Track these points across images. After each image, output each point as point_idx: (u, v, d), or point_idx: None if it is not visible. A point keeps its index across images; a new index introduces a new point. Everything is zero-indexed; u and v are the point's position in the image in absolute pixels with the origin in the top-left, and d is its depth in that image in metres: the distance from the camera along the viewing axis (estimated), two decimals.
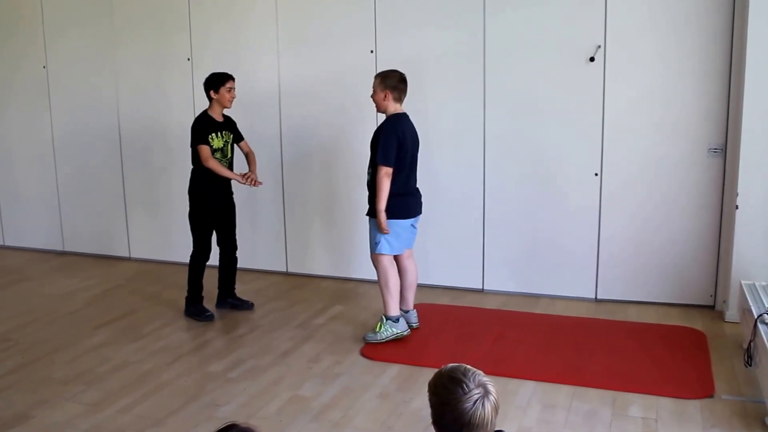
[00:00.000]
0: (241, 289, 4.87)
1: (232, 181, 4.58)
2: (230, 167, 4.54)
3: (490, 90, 4.72)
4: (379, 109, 4.06)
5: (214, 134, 4.40)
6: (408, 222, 4.07)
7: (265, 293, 5.04)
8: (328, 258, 5.36)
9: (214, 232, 4.60)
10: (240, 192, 5.40)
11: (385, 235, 3.97)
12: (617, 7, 4.38)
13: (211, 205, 4.50)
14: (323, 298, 4.91)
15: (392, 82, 3.97)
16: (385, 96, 3.97)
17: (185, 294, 4.61)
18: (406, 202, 4.03)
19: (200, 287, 4.57)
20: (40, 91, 6.07)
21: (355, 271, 5.22)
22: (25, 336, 4.29)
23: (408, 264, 4.19)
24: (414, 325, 4.20)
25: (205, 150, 4.34)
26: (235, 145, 4.61)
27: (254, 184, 4.51)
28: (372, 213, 4.00)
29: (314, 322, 4.45)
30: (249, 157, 4.66)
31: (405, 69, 4.82)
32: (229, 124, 4.55)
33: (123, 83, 5.75)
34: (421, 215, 4.19)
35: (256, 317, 4.56)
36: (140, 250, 5.98)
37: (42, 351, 4.03)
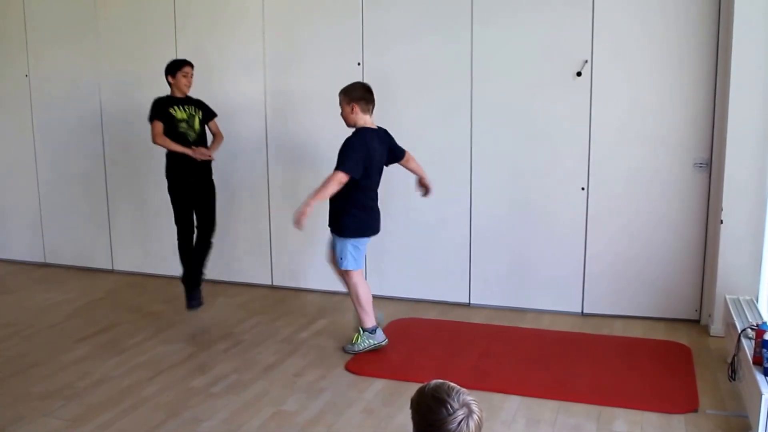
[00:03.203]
0: (226, 303, 4.83)
1: (213, 164, 4.65)
2: (199, 141, 4.58)
3: (477, 103, 4.73)
4: (349, 124, 4.01)
5: (175, 107, 4.50)
6: (367, 240, 4.08)
7: (250, 306, 5.00)
8: (314, 271, 5.32)
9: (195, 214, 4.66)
10: (226, 202, 5.37)
11: (349, 250, 3.99)
12: (604, 22, 4.42)
13: (184, 186, 4.55)
14: (308, 312, 4.88)
15: (357, 94, 3.93)
16: (352, 109, 3.93)
17: (170, 303, 4.63)
18: (367, 218, 4.02)
19: (188, 270, 4.60)
20: (22, 99, 6.01)
21: (340, 284, 5.18)
22: (3, 350, 4.21)
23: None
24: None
25: (156, 126, 4.42)
26: (206, 126, 4.70)
27: (202, 156, 4.50)
28: (336, 231, 4.05)
29: (299, 337, 4.41)
30: (215, 137, 4.74)
31: (392, 82, 4.88)
32: (195, 102, 4.63)
33: (106, 93, 5.71)
34: (378, 234, 4.17)
35: (240, 331, 4.51)
36: (123, 263, 5.91)
37: (21, 365, 3.96)
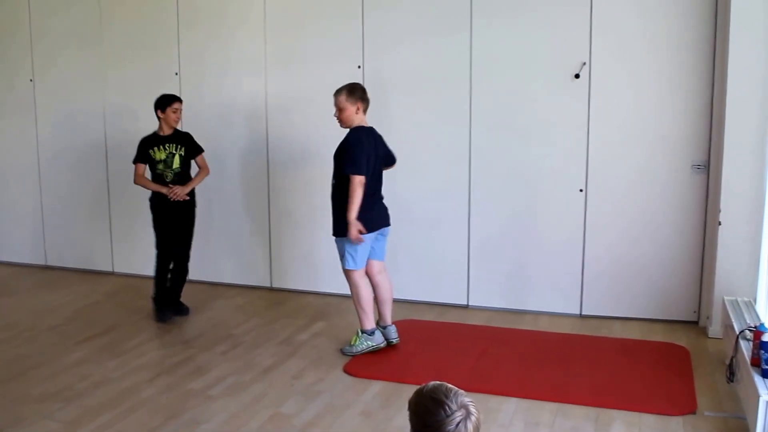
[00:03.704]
0: (224, 304, 4.85)
1: (197, 195, 4.82)
2: (178, 178, 4.68)
3: (476, 105, 4.74)
4: (347, 125, 4.01)
5: (156, 147, 4.64)
6: (370, 235, 4.02)
7: (249, 309, 5.00)
8: (313, 273, 5.33)
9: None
10: (225, 204, 5.37)
11: (348, 249, 3.98)
12: (602, 24, 4.42)
13: (163, 217, 4.70)
14: (307, 314, 4.88)
15: (360, 94, 3.98)
16: (357, 109, 3.96)
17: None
18: (369, 214, 3.99)
19: (163, 288, 4.77)
20: (27, 103, 6.02)
21: (339, 286, 5.17)
22: (4, 351, 4.22)
23: (380, 279, 4.18)
24: (394, 340, 4.19)
25: (137, 169, 4.67)
26: (192, 160, 4.80)
27: (176, 197, 4.63)
28: (336, 232, 4.03)
29: (297, 338, 4.41)
30: (200, 170, 4.84)
31: (392, 84, 4.90)
32: (179, 138, 4.71)
33: (109, 96, 5.72)
34: (389, 227, 4.19)
35: (238, 333, 4.51)
36: (124, 265, 5.92)
37: (21, 367, 3.96)
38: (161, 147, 4.66)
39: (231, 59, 5.31)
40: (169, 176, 4.67)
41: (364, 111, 4.01)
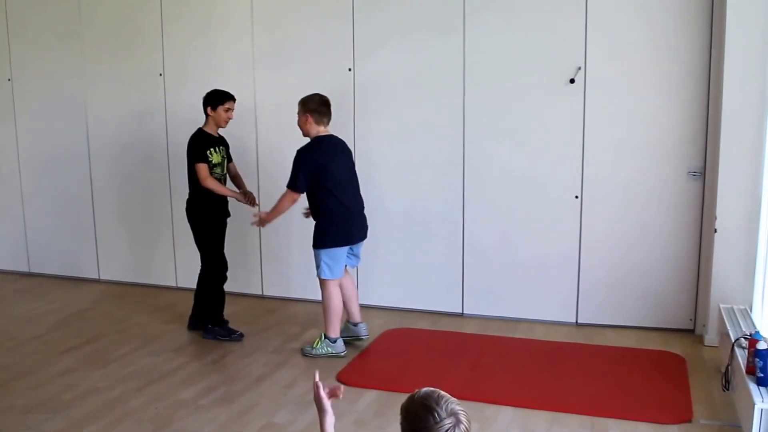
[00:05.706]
0: None
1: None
2: (224, 184, 4.51)
3: (469, 110, 4.71)
4: (303, 134, 4.13)
5: (212, 149, 4.34)
6: (343, 249, 4.14)
7: (240, 317, 4.92)
8: (304, 281, 5.26)
9: None
10: None
11: (324, 260, 4.09)
12: (598, 29, 4.41)
13: (220, 220, 4.46)
14: (299, 322, 4.82)
15: (312, 105, 4.07)
16: (306, 119, 4.06)
17: (158, 313, 4.55)
18: (346, 226, 4.11)
19: (222, 307, 4.52)
20: (5, 104, 5.91)
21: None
22: None
23: (342, 279, 4.24)
24: (364, 336, 4.33)
25: (203, 169, 4.25)
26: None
27: (254, 204, 4.50)
28: (314, 244, 4.13)
29: (289, 347, 4.35)
30: (238, 179, 4.64)
31: (383, 88, 4.85)
32: (223, 141, 4.51)
33: (92, 97, 5.63)
34: (365, 240, 4.28)
35: (229, 342, 4.44)
36: (110, 272, 5.82)
37: (3, 378, 3.87)
38: (216, 149, 4.33)
39: (218, 61, 5.23)
40: (222, 182, 4.41)
41: (317, 122, 4.07)
